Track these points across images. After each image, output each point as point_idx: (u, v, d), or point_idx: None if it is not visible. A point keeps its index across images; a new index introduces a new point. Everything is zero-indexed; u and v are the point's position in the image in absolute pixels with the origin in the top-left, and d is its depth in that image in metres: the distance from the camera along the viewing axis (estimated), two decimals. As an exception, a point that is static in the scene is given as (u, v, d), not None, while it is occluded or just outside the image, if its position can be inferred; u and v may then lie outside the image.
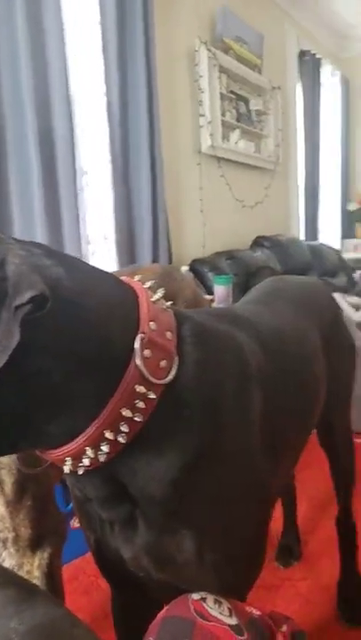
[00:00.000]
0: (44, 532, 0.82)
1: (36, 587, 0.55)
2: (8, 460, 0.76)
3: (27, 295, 0.36)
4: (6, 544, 0.79)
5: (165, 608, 0.49)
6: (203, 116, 2.76)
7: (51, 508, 0.84)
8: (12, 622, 0.43)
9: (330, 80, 4.33)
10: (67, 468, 0.46)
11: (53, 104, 1.80)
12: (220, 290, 2.01)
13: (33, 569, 0.81)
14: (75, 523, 0.60)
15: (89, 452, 0.44)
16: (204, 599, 0.48)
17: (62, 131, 1.83)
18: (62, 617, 0.47)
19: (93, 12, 2.02)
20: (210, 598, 0.49)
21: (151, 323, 0.46)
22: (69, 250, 1.89)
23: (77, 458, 0.45)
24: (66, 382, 0.41)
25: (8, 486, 0.77)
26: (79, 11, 1.98)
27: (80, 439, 0.43)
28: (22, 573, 0.81)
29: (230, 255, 2.70)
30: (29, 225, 1.79)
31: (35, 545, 0.81)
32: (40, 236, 1.78)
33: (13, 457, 0.74)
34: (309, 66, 3.93)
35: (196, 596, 0.49)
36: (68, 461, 0.45)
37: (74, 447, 0.44)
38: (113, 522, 0.52)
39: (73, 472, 0.46)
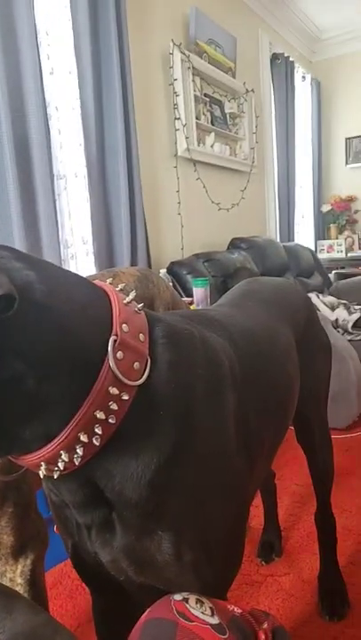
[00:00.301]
0: (26, 538, 0.81)
1: (17, 593, 0.54)
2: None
3: None
4: (-13, 553, 0.78)
5: (147, 610, 0.49)
6: (178, 119, 2.77)
7: (32, 514, 0.83)
8: (-9, 631, 0.42)
9: (302, 83, 4.41)
10: (41, 473, 0.46)
11: (28, 109, 1.78)
12: (199, 292, 2.02)
13: (16, 576, 0.81)
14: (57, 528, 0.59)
15: (64, 455, 0.44)
16: (186, 599, 0.48)
17: (37, 135, 1.81)
18: (44, 624, 0.47)
19: (66, 17, 2.01)
20: (192, 598, 0.49)
21: (124, 325, 0.46)
22: (48, 254, 1.87)
23: (52, 462, 0.45)
24: (39, 386, 0.41)
25: (-13, 495, 0.76)
26: (52, 15, 1.97)
27: (54, 443, 0.43)
28: (5, 581, 0.80)
29: (208, 257, 2.72)
30: (7, 230, 1.77)
31: (17, 552, 0.81)
32: (18, 240, 1.76)
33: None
34: (282, 69, 3.99)
35: (177, 597, 0.49)
36: (43, 466, 0.45)
37: (48, 451, 0.44)
38: (90, 526, 0.52)
39: (48, 477, 0.46)
